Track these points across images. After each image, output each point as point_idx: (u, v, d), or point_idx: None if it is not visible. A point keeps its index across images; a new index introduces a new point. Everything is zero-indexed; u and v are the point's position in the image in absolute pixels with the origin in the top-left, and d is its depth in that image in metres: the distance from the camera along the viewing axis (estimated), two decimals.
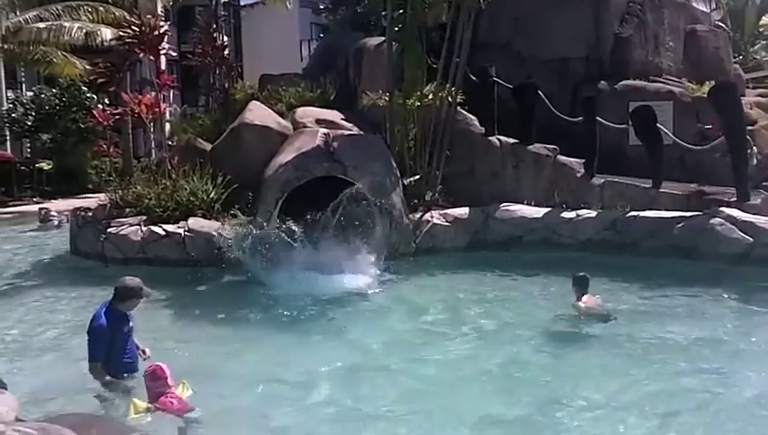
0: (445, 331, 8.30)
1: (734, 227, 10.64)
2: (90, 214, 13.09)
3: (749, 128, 13.24)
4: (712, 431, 5.61)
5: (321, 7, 34.68)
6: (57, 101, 27.40)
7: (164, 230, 11.78)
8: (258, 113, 13.30)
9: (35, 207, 21.53)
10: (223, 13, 27.54)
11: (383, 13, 14.75)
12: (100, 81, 18.53)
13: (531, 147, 13.25)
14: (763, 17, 32.45)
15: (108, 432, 4.17)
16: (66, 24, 23.44)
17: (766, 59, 29.96)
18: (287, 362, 7.39)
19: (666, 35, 15.94)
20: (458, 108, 13.43)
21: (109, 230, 12.10)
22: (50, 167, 27.94)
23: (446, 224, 12.36)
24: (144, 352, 6.52)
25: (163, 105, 15.47)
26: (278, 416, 6.01)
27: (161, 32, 14.18)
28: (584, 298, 8.29)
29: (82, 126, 27.15)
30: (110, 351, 6.24)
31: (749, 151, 12.13)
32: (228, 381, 6.79)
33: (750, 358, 7.18)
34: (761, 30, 32.50)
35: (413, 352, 7.57)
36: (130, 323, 6.46)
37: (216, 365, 7.19)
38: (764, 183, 13.40)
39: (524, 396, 6.36)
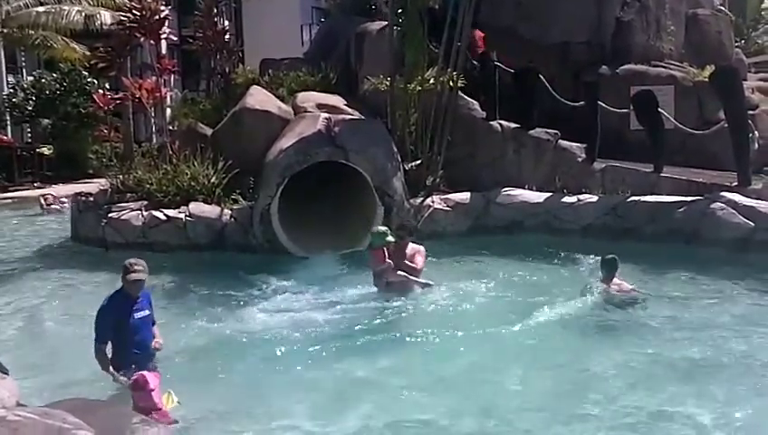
0: (446, 314, 8.23)
1: (735, 211, 10.60)
2: (91, 199, 13.11)
3: (750, 112, 13.22)
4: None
5: None
6: (58, 85, 27.34)
7: (165, 215, 11.81)
8: (259, 98, 13.28)
9: (36, 193, 21.56)
10: None
11: None
12: (101, 65, 18.47)
13: (532, 132, 13.22)
14: (765, 1, 32.28)
15: (110, 417, 4.19)
16: (65, 8, 23.39)
17: None
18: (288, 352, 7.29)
19: (667, 19, 15.86)
20: (459, 93, 13.38)
21: (110, 215, 12.11)
22: (51, 152, 27.91)
23: (448, 209, 12.36)
24: (158, 342, 6.35)
25: (164, 90, 15.44)
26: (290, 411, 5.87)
27: (162, 16, 14.14)
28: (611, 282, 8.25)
29: (83, 111, 27.10)
30: (116, 337, 6.15)
31: (750, 136, 12.11)
32: (229, 377, 6.64)
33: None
34: (762, 14, 32.38)
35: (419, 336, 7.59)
36: (145, 311, 6.31)
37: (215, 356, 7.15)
38: (766, 168, 13.40)
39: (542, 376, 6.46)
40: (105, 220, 12.08)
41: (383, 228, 8.64)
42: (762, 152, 13.52)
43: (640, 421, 5.47)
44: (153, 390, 5.10)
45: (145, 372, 5.29)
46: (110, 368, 6.06)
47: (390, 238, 8.42)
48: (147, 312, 6.35)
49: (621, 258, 9.23)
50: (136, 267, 6.24)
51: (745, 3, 30.65)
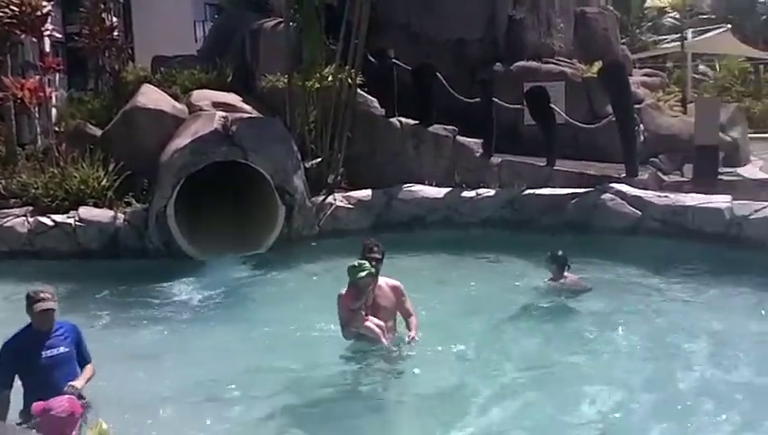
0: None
1: (624, 201, 11.08)
2: None
3: (637, 106, 13.81)
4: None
5: None
6: None
7: (53, 221, 11.28)
8: (151, 96, 12.91)
9: None
10: None
11: None
12: None
13: (431, 128, 13.35)
14: (648, 0, 33.94)
15: None
16: None
17: (651, 40, 31.35)
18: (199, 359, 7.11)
19: (557, 17, 16.31)
20: (359, 90, 13.36)
21: None
22: None
23: (349, 206, 12.31)
24: (70, 385, 5.12)
25: (48, 89, 14.75)
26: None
27: (44, 12, 13.48)
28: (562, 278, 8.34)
29: None
30: (23, 379, 5.24)
31: (637, 129, 12.65)
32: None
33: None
34: (645, 12, 33.99)
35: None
36: (60, 349, 5.28)
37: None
38: (651, 159, 14.05)
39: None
40: None
41: (365, 262, 6.39)
42: (647, 144, 14.17)
43: None
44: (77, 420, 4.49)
45: (69, 397, 4.62)
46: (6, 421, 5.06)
47: (372, 271, 6.35)
48: (64, 349, 5.31)
49: (519, 250, 9.42)
50: (42, 295, 5.22)
51: (629, 1, 32.03)
